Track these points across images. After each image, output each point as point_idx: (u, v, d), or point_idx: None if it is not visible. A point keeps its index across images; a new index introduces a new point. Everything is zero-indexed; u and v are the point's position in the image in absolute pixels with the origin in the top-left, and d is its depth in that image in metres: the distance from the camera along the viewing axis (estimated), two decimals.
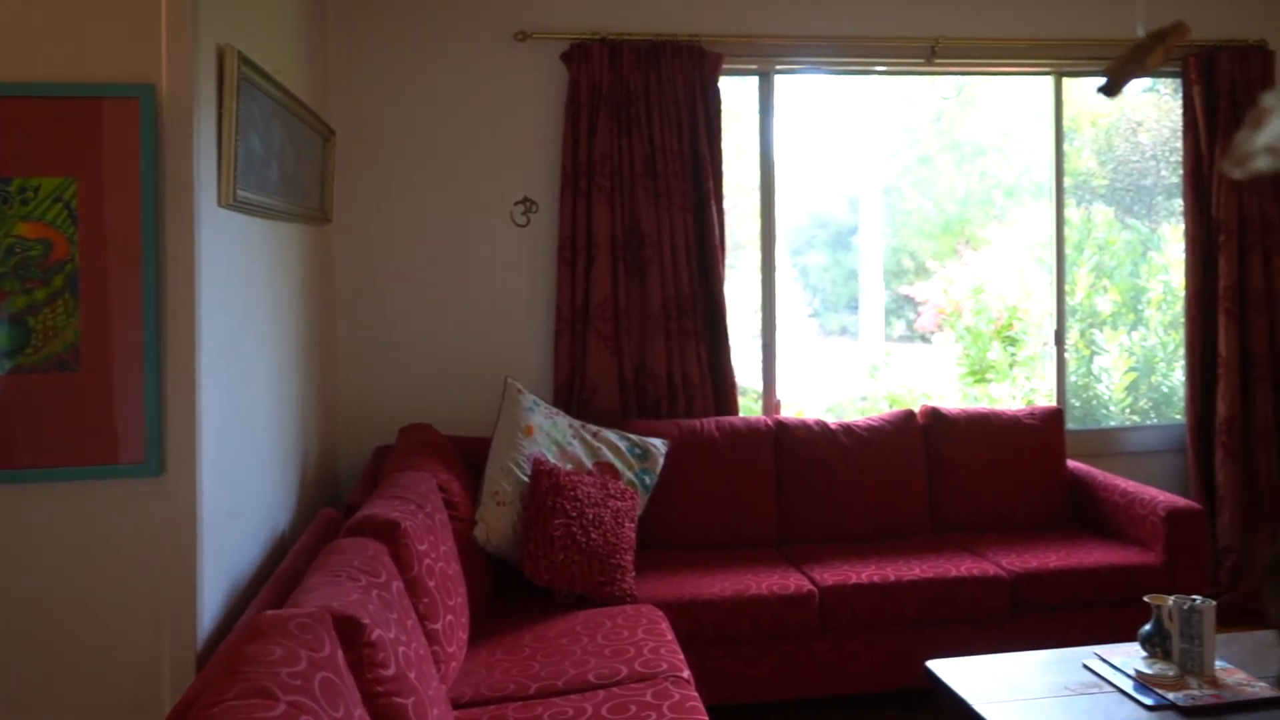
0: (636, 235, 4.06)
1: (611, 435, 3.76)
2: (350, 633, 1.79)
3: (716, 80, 4.13)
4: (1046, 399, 4.70)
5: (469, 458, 3.62)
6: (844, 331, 6.58)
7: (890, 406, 4.87)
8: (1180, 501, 3.59)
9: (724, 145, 4.19)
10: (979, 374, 5.48)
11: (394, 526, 2.44)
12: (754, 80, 4.40)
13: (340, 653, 1.69)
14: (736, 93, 4.82)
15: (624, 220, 4.07)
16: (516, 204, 4.15)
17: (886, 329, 6.32)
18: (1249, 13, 4.45)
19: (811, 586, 3.36)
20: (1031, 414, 4.14)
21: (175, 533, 2.14)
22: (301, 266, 3.41)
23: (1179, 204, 4.65)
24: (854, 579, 3.39)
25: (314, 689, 1.49)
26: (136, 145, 2.11)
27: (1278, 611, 0.51)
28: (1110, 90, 0.86)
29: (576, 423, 3.77)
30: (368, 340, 4.06)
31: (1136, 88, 5.14)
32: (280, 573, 2.43)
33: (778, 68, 4.36)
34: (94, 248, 2.11)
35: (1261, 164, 0.65)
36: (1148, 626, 2.61)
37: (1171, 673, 2.47)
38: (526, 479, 3.43)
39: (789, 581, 3.37)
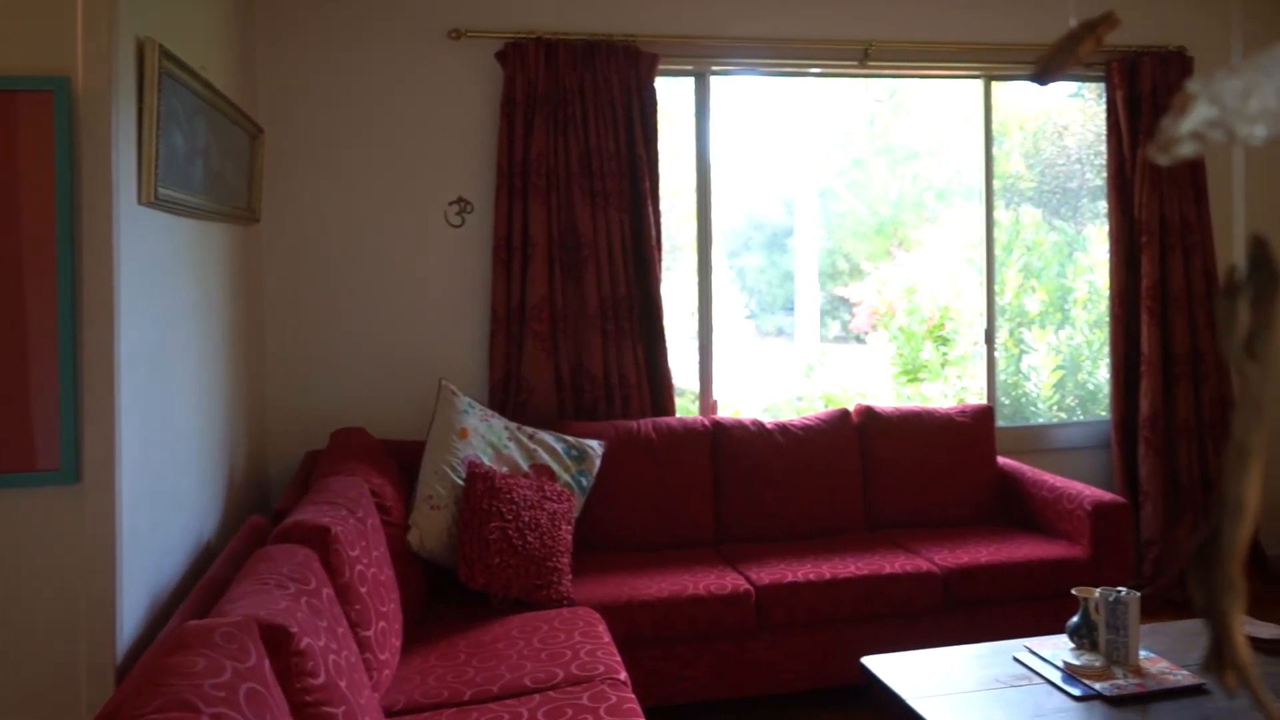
0: (573, 235, 4.04)
1: (548, 437, 3.74)
2: (278, 641, 1.75)
3: (652, 81, 4.13)
4: (977, 397, 4.78)
5: (403, 462, 3.57)
6: (780, 332, 6.63)
7: (825, 406, 4.92)
8: (1105, 496, 3.67)
9: (660, 146, 4.20)
10: (912, 373, 5.56)
11: (324, 532, 2.39)
12: (690, 81, 4.42)
13: (267, 662, 1.66)
14: (673, 94, 4.83)
15: (560, 220, 4.05)
16: (451, 204, 4.10)
17: (822, 330, 6.38)
18: (1169, 20, 4.58)
19: (748, 586, 3.37)
20: (963, 412, 4.21)
21: (93, 542, 2.07)
22: (228, 267, 3.33)
23: (1103, 206, 4.77)
24: (790, 578, 3.41)
25: (239, 700, 1.46)
26: (51, 141, 2.04)
27: (1204, 599, 0.53)
28: (1042, 78, 0.87)
29: (512, 425, 3.74)
30: (298, 343, 3.98)
31: (1062, 92, 5.27)
32: (205, 582, 2.37)
33: (713, 69, 4.38)
34: (6, 247, 2.04)
35: (1186, 150, 0.66)
36: (1075, 618, 2.67)
37: (1098, 663, 2.52)
38: (461, 482, 3.39)
39: (726, 581, 3.38)
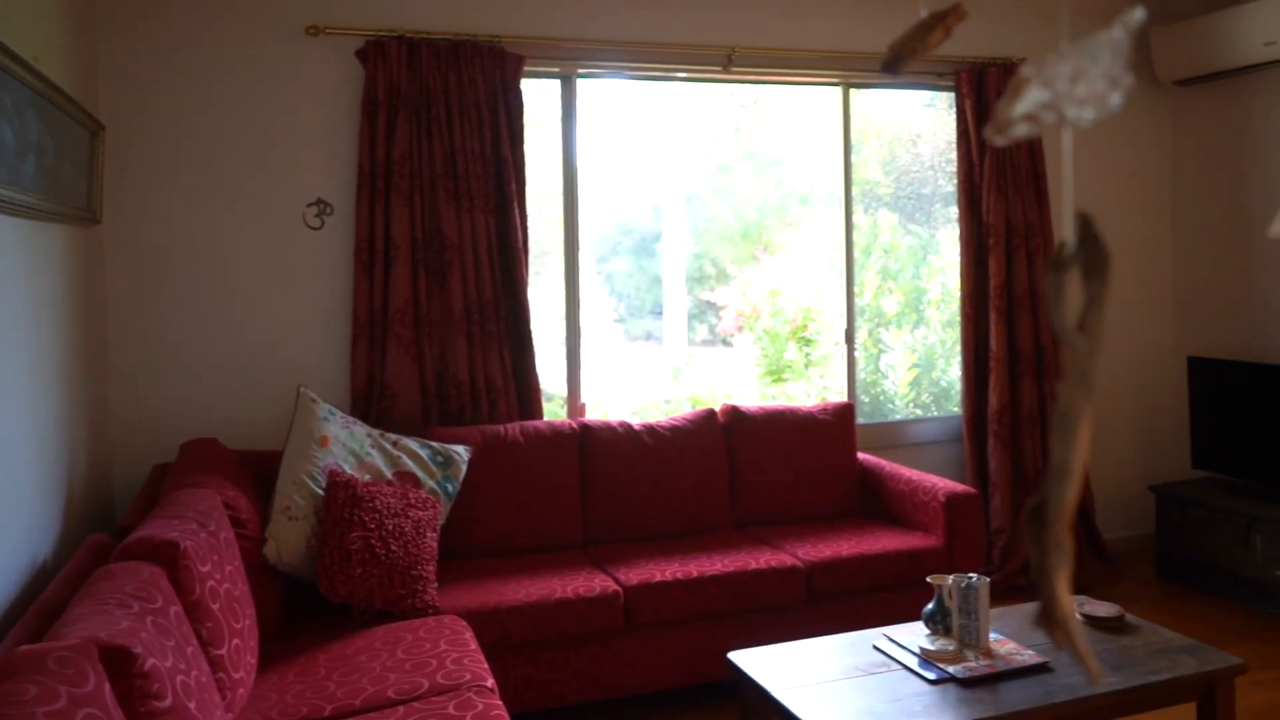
0: (437, 238, 3.97)
1: (412, 443, 3.66)
2: (119, 664, 1.66)
3: (518, 82, 4.10)
4: (838, 396, 4.92)
5: (259, 473, 3.43)
6: (649, 336, 6.67)
7: (693, 407, 4.97)
8: (958, 487, 3.83)
9: (527, 149, 4.17)
10: (776, 373, 5.68)
11: (172, 547, 2.27)
12: (556, 84, 4.40)
13: (108, 686, 1.57)
14: (541, 99, 4.80)
15: (424, 223, 3.97)
16: (309, 206, 3.97)
17: (690, 333, 6.45)
18: (1013, 33, 4.83)
19: (616, 587, 3.37)
20: (825, 410, 4.33)
21: None
22: (65, 270, 3.13)
23: (954, 211, 4.99)
24: (658, 577, 3.43)
25: None
26: None
27: (1038, 557, 0.56)
28: (892, 68, 0.89)
29: (375, 432, 3.64)
30: (145, 350, 3.78)
31: (916, 102, 5.48)
32: (40, 604, 2.22)
33: (580, 71, 4.38)
34: None
35: (1020, 131, 0.68)
36: (930, 605, 2.77)
37: (952, 647, 2.62)
38: (321, 492, 3.28)
39: (594, 583, 3.37)
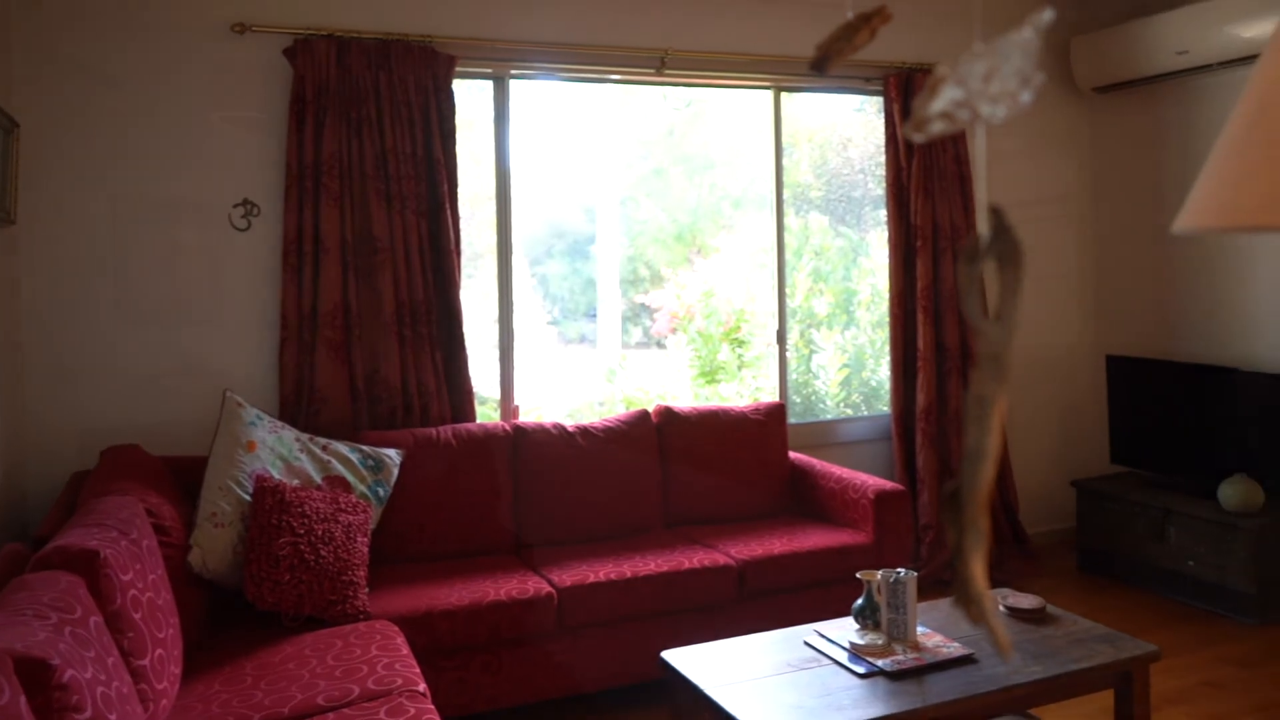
0: (368, 239, 3.92)
1: (342, 447, 3.60)
2: (36, 676, 1.62)
3: (450, 82, 4.07)
4: (771, 396, 4.97)
5: (184, 479, 3.35)
6: (583, 339, 6.67)
7: (627, 409, 4.98)
8: (886, 485, 3.90)
9: (460, 150, 4.14)
10: (710, 375, 5.72)
11: (92, 556, 2.21)
12: (489, 85, 4.38)
13: (23, 699, 1.53)
14: (474, 100, 4.77)
15: (354, 224, 3.91)
16: (235, 206, 3.89)
17: (624, 335, 6.46)
18: (942, 39, 4.93)
19: (550, 588, 3.36)
20: (757, 410, 4.37)
21: None
22: None
23: (883, 213, 5.07)
24: (591, 578, 3.43)
25: None
26: None
27: (955, 537, 0.58)
28: (820, 68, 0.91)
29: (304, 436, 3.58)
30: (63, 354, 3.66)
31: (846, 107, 5.57)
32: None
33: (512, 72, 4.36)
34: None
35: (937, 128, 0.70)
36: (860, 601, 2.81)
37: (881, 641, 2.67)
38: (248, 497, 3.21)
39: (528, 585, 3.36)
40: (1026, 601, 2.91)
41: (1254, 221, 0.77)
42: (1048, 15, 0.76)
